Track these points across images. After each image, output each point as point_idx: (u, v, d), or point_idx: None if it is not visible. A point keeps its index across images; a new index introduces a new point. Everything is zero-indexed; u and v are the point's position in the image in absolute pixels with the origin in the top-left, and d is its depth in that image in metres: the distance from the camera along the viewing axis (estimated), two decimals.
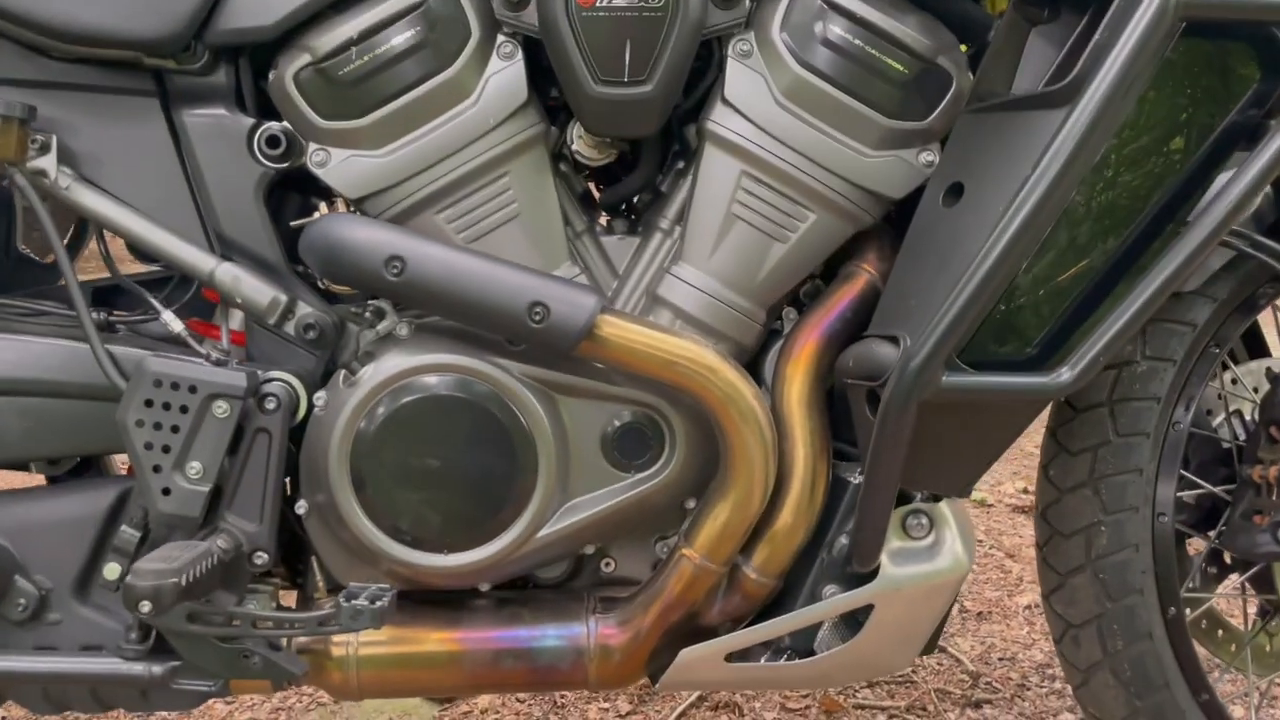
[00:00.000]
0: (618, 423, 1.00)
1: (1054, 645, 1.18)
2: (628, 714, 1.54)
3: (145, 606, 0.86)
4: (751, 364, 1.04)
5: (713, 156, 1.00)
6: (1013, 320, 0.90)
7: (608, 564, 1.08)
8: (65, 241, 1.25)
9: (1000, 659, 1.73)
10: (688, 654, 1.01)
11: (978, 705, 1.58)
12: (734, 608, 1.04)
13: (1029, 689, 1.63)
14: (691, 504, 1.04)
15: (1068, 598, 1.12)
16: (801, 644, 1.04)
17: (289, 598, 1.09)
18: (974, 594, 1.96)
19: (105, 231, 1.08)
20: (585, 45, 0.95)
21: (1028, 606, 1.90)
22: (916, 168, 1.00)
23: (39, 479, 1.14)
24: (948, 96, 0.99)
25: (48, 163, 0.98)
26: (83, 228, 1.26)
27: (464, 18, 0.98)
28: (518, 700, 1.55)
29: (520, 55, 0.99)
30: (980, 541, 2.17)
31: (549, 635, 1.03)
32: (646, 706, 1.56)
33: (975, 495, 2.40)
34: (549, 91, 1.05)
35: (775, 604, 1.04)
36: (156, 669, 0.97)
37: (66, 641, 0.99)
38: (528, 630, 1.04)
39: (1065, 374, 0.88)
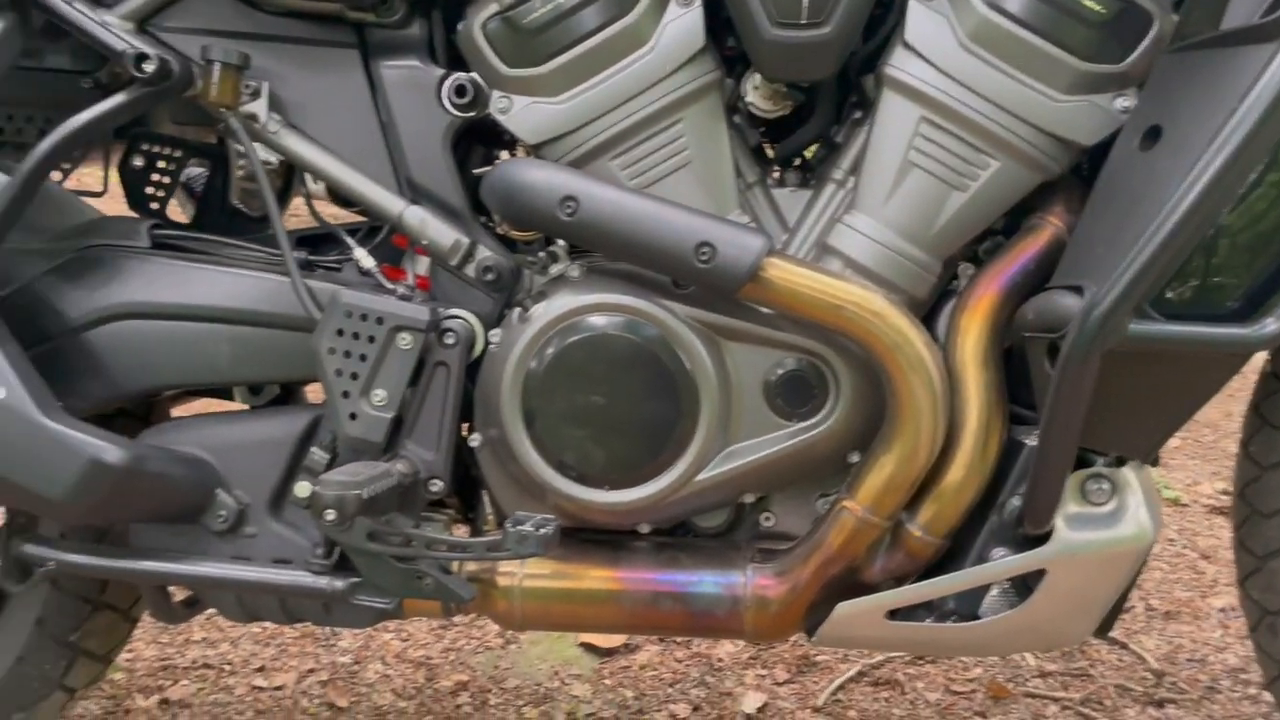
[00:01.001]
0: (781, 370, 1.00)
1: (1249, 636, 1.09)
2: (785, 682, 1.53)
3: (330, 514, 0.92)
4: (925, 320, 1.01)
5: (891, 102, 0.98)
6: (1212, 268, 0.84)
7: (767, 518, 1.08)
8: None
9: (1188, 660, 1.62)
10: (846, 608, 1.00)
11: (1160, 704, 1.48)
12: (896, 565, 1.01)
13: (1219, 692, 1.52)
14: (855, 458, 1.02)
15: (1265, 583, 1.04)
16: (966, 607, 1.00)
17: (460, 533, 1.15)
18: (1162, 593, 1.84)
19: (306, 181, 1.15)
20: None
21: (1222, 609, 1.77)
22: (1111, 113, 0.95)
23: (243, 409, 1.23)
24: (1148, 38, 0.94)
25: (259, 108, 1.06)
26: (285, 187, 1.36)
27: None
28: (675, 660, 1.57)
29: (698, 2, 1.00)
30: (1172, 541, 2.04)
31: (706, 581, 1.04)
32: (804, 677, 1.54)
33: (1169, 494, 2.26)
34: (725, 42, 1.06)
35: (940, 564, 1.01)
36: (339, 583, 1.03)
37: (260, 554, 1.06)
38: (685, 575, 1.04)
39: (1271, 325, 0.82)
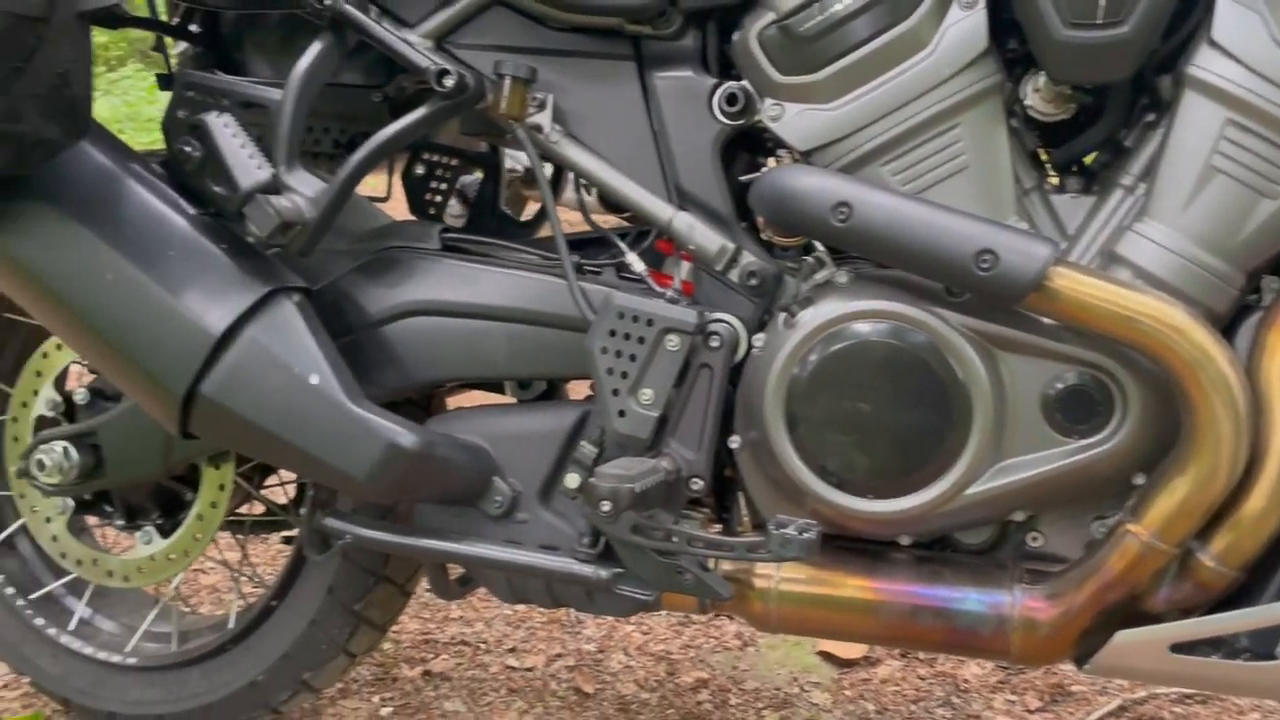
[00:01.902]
0: (1061, 384, 0.96)
1: None
2: (1037, 710, 1.46)
3: (605, 506, 0.96)
4: (1224, 335, 0.94)
5: (1193, 104, 0.92)
6: None
7: (1035, 538, 1.04)
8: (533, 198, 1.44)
9: None
10: (1125, 637, 0.94)
11: None
12: (1183, 596, 0.95)
13: None
14: (1140, 479, 0.96)
15: None
16: (1262, 646, 0.93)
17: (713, 532, 1.17)
18: None
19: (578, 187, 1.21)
20: None
21: None
22: None
23: (512, 402, 1.30)
24: None
25: (544, 119, 1.11)
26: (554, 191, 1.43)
27: None
28: (918, 676, 1.53)
29: (982, 4, 0.98)
30: None
31: (970, 599, 1.01)
32: (1058, 707, 1.47)
33: None
34: (1006, 44, 1.02)
35: (1233, 597, 0.94)
36: (603, 573, 1.07)
37: (530, 539, 1.12)
38: (948, 590, 1.02)
39: None
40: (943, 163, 1.00)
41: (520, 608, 1.70)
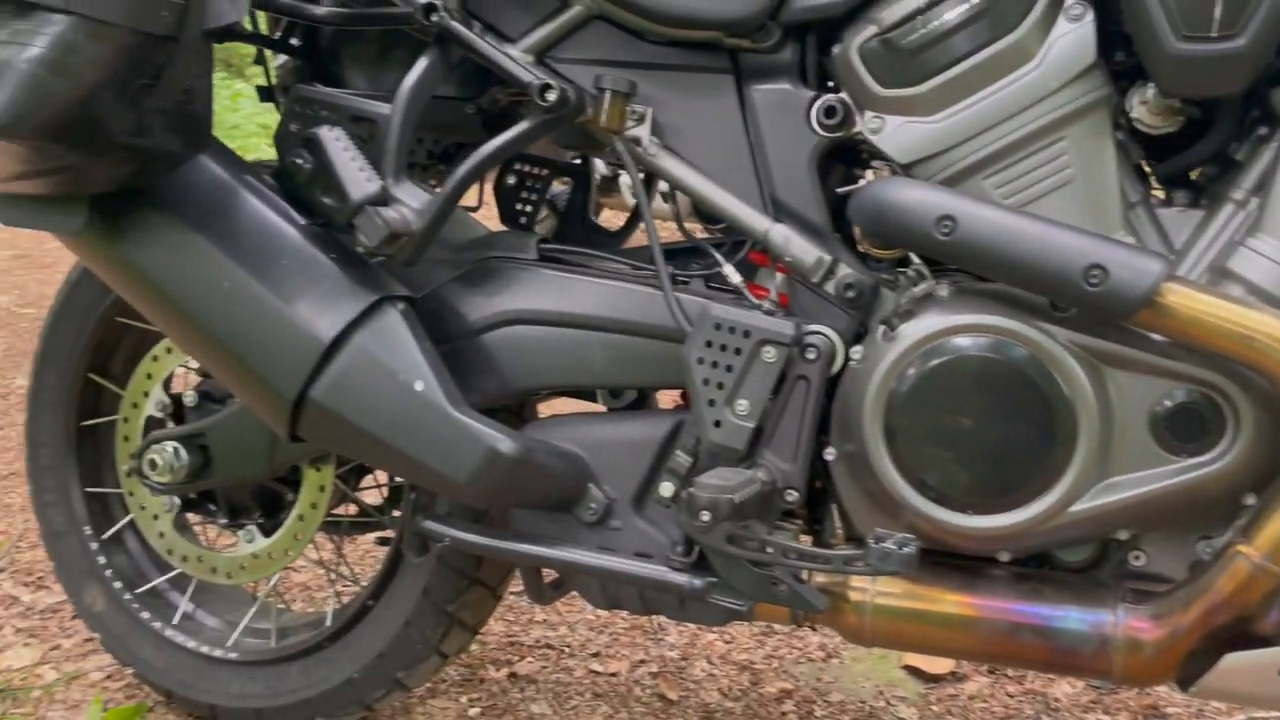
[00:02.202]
0: (1170, 401, 0.94)
1: None
2: None
3: (705, 515, 0.97)
4: None
5: None
6: None
7: (1138, 557, 1.02)
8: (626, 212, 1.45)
9: None
10: (1235, 660, 0.93)
11: None
12: None
13: None
14: (1251, 500, 0.94)
15: None
16: None
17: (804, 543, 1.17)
18: None
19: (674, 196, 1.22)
20: None
21: None
22: None
23: (599, 409, 1.32)
24: None
25: (642, 132, 1.13)
26: (639, 211, 1.44)
27: None
28: (1006, 694, 1.51)
29: (1090, 16, 0.97)
30: None
31: (1071, 617, 1.00)
32: None
33: None
34: (1113, 55, 1.01)
35: None
36: (697, 581, 1.08)
37: (623, 546, 1.14)
38: (1049, 608, 1.01)
39: None
40: (1048, 176, 0.99)
41: (603, 613, 1.72)
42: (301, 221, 1.13)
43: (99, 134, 0.93)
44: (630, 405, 1.28)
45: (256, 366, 1.10)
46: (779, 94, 1.11)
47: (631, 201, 3.53)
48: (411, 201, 1.10)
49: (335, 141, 1.09)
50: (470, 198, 1.40)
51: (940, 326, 0.99)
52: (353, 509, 1.43)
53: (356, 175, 1.08)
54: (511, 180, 1.42)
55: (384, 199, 1.08)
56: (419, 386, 1.08)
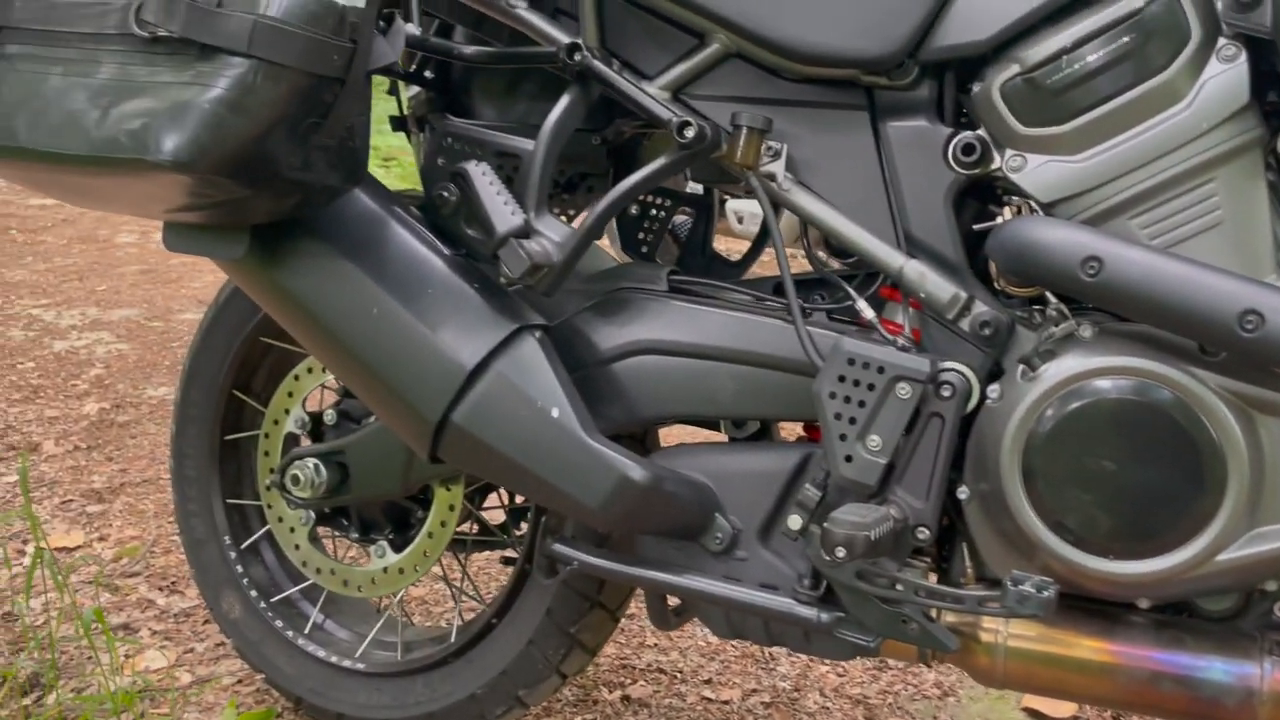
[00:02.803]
0: None
1: None
2: None
3: (840, 552, 0.98)
4: None
5: None
6: None
7: None
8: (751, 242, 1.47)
9: None
10: None
11: None
12: None
13: None
14: None
15: None
16: None
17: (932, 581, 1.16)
18: None
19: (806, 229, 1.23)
20: None
21: None
22: None
23: (720, 438, 1.33)
24: None
25: (777, 168, 1.14)
26: (763, 237, 1.46)
27: (1183, 23, 0.97)
28: None
29: (1244, 57, 0.96)
30: None
31: (1215, 668, 0.98)
32: None
33: None
34: (1265, 95, 1.00)
35: None
36: (825, 615, 1.09)
37: (749, 577, 1.15)
38: (1191, 658, 0.99)
39: None
40: (1197, 217, 0.98)
41: (715, 639, 1.73)
42: (446, 251, 1.18)
43: (269, 170, 0.98)
44: (753, 435, 1.29)
45: (401, 390, 1.15)
46: (915, 130, 1.11)
47: (738, 229, 3.56)
48: (552, 235, 1.14)
49: (482, 176, 1.13)
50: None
51: (1083, 368, 0.98)
52: (476, 526, 1.47)
53: (502, 209, 1.12)
54: (634, 210, 1.45)
55: (527, 232, 1.12)
56: (555, 413, 1.11)
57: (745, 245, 1.61)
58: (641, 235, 1.45)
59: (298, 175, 1.02)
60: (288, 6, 0.93)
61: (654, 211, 1.45)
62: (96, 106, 0.96)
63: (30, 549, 2.13)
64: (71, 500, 2.35)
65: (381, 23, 1.05)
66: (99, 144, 0.95)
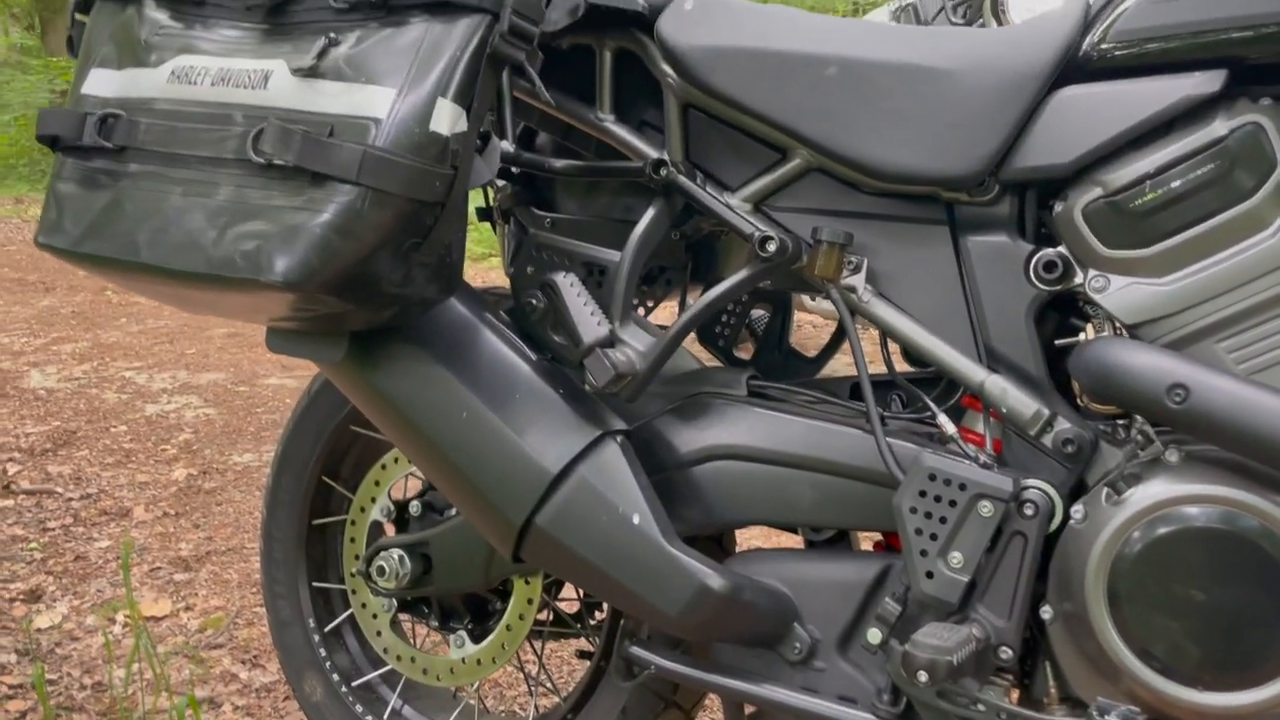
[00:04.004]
0: None
1: None
2: None
3: (923, 676, 0.98)
4: None
5: None
6: None
7: None
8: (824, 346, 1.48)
9: None
10: None
11: None
12: None
13: None
14: None
15: None
16: None
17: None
18: None
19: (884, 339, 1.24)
20: None
21: None
22: None
23: (796, 539, 1.34)
24: None
25: (858, 281, 1.16)
26: (836, 340, 1.47)
27: (1268, 151, 0.97)
28: None
29: None
30: None
31: None
32: None
33: None
34: None
35: None
36: None
37: (827, 688, 1.15)
38: None
39: None
40: None
41: None
42: (533, 356, 1.22)
43: (372, 288, 1.03)
44: (830, 539, 1.30)
45: (487, 491, 1.18)
46: (996, 246, 1.12)
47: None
48: (637, 344, 1.17)
49: (570, 288, 1.17)
50: (665, 317, 1.47)
51: (1170, 495, 0.98)
52: (552, 615, 1.49)
53: (588, 320, 1.15)
54: None
55: (612, 341, 1.16)
56: (636, 519, 1.13)
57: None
58: (719, 329, 1.48)
59: (398, 291, 1.06)
60: (394, 137, 0.98)
61: (732, 306, 1.47)
62: (214, 226, 1.03)
63: (119, 617, 2.20)
64: (160, 567, 2.43)
65: (478, 141, 1.10)
66: (216, 263, 1.01)
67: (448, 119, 1.00)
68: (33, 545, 2.54)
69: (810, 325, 4.11)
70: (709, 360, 1.43)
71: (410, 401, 1.20)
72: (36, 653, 2.03)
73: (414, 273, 1.06)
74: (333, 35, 1.03)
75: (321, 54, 1.02)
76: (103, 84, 1.15)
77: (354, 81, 1.01)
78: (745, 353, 1.55)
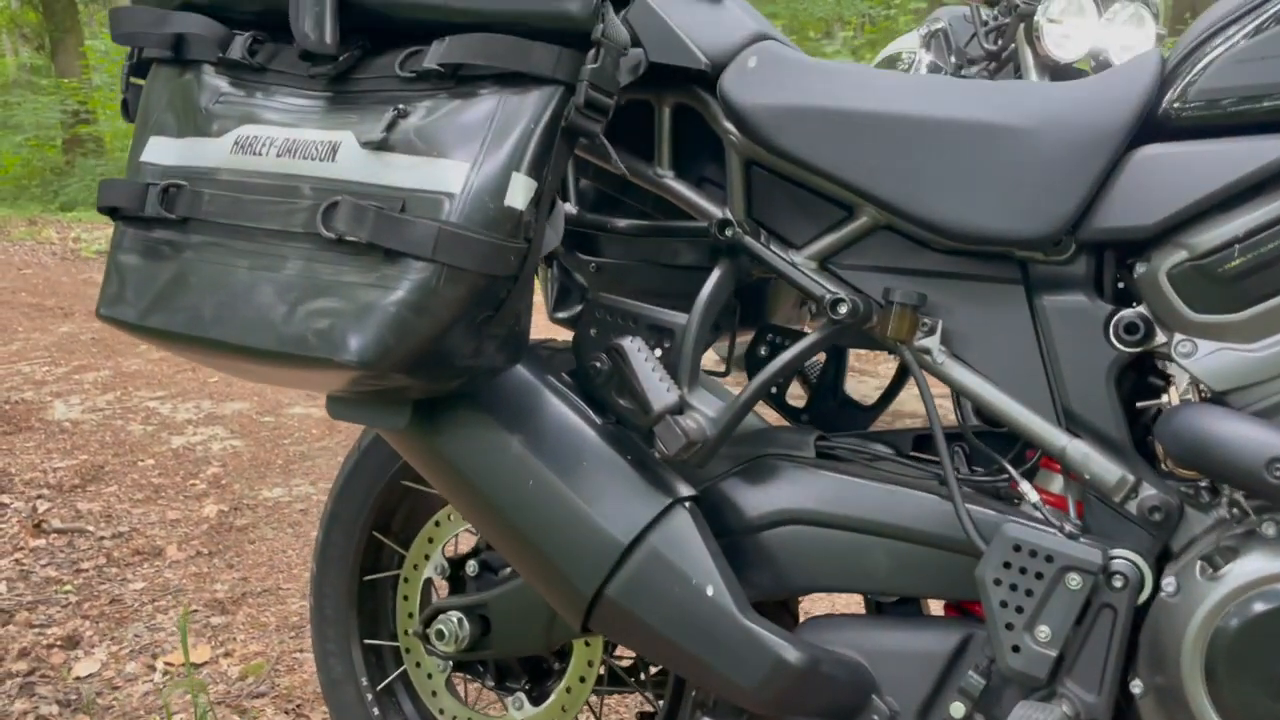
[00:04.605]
0: None
1: None
2: None
3: None
4: None
5: None
6: None
7: None
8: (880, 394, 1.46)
9: None
10: None
11: None
12: None
13: None
14: None
15: None
16: None
17: None
18: None
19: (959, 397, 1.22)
20: None
21: None
22: None
23: (859, 600, 1.31)
24: None
25: (932, 343, 1.14)
26: (895, 386, 1.44)
27: None
28: None
29: None
30: None
31: None
32: None
33: None
34: None
35: None
36: None
37: None
38: None
39: None
40: None
41: None
42: (599, 421, 1.20)
43: (444, 362, 1.01)
44: (897, 601, 1.27)
45: (556, 561, 1.16)
46: (1074, 306, 1.10)
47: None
48: (706, 410, 1.15)
49: (638, 353, 1.15)
50: (719, 361, 1.44)
51: (1270, 572, 0.95)
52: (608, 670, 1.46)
53: (657, 386, 1.13)
54: (764, 351, 1.44)
55: (682, 408, 1.14)
56: (710, 591, 1.11)
57: None
58: None
59: (469, 363, 1.04)
60: (469, 213, 0.96)
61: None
62: (284, 302, 1.01)
63: (159, 664, 2.19)
64: (196, 610, 2.41)
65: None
66: (288, 341, 0.99)
67: (522, 193, 0.98)
68: (67, 588, 2.53)
69: (857, 371, 4.07)
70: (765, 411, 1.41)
71: (475, 469, 1.18)
72: (78, 704, 2.02)
73: (485, 345, 1.04)
74: (401, 107, 1.01)
75: (390, 126, 1.00)
76: (162, 152, 1.13)
77: (426, 155, 0.99)
78: (798, 399, 1.52)
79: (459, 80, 1.01)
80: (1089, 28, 2.63)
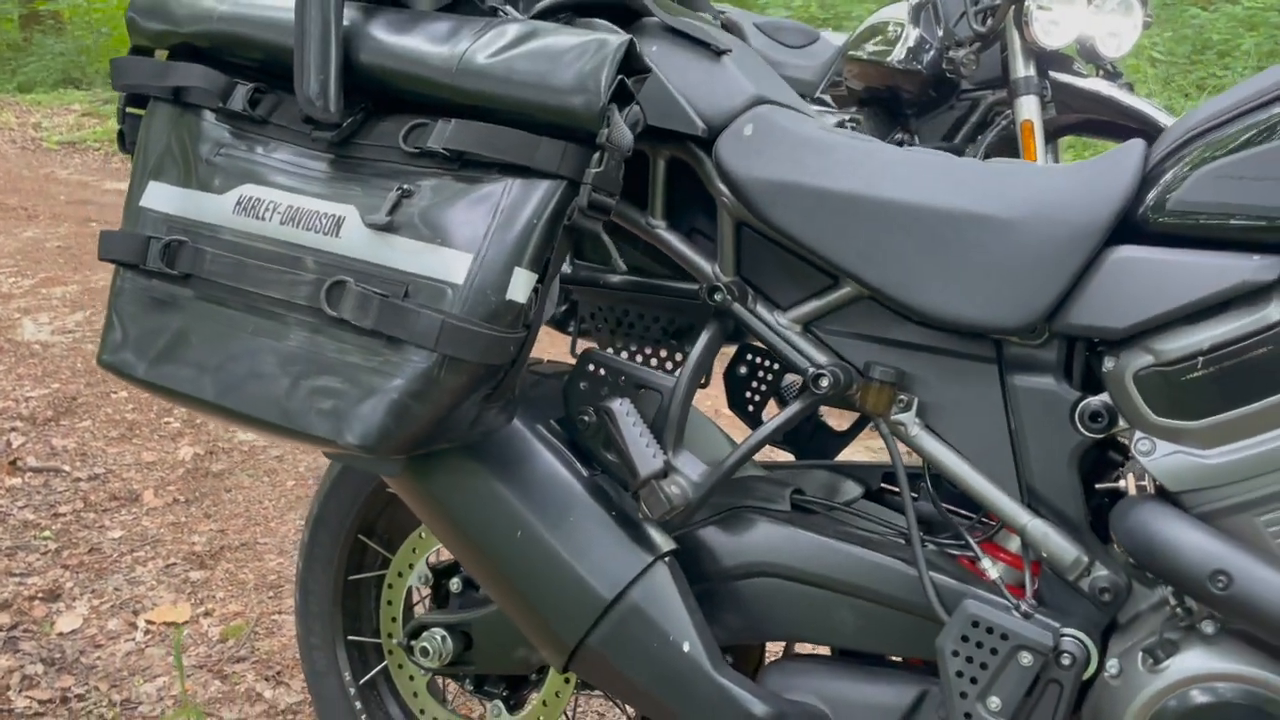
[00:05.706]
0: None
1: None
2: None
3: None
4: None
5: None
6: None
7: None
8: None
9: None
10: None
11: None
12: None
13: None
14: None
15: None
16: None
17: None
18: None
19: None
20: None
21: None
22: None
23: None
24: None
25: (907, 418, 1.19)
26: (858, 427, 1.50)
27: None
28: None
29: None
30: None
31: None
32: None
33: None
34: None
35: None
36: None
37: None
38: None
39: None
40: None
41: None
42: (585, 474, 1.24)
43: (443, 438, 1.05)
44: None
45: (541, 609, 1.22)
46: (1043, 390, 1.15)
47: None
48: (691, 474, 1.20)
49: (625, 416, 1.19)
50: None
51: (1206, 671, 1.03)
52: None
53: (644, 452, 1.18)
54: (743, 370, 1.49)
55: (666, 473, 1.18)
56: (686, 648, 1.18)
57: None
58: (749, 395, 1.50)
59: (465, 433, 1.08)
60: (471, 305, 0.99)
61: (762, 372, 1.49)
62: (287, 374, 1.03)
63: (140, 621, 2.25)
64: (174, 564, 2.47)
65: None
66: (292, 416, 1.02)
67: (524, 286, 1.00)
68: (46, 534, 2.57)
69: None
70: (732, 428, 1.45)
71: (466, 516, 1.23)
72: (62, 663, 2.08)
73: (483, 415, 1.08)
74: (405, 187, 1.02)
75: (395, 208, 1.01)
76: (162, 199, 1.14)
77: (430, 241, 1.00)
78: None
79: (464, 164, 1.02)
80: (1077, 15, 2.62)
